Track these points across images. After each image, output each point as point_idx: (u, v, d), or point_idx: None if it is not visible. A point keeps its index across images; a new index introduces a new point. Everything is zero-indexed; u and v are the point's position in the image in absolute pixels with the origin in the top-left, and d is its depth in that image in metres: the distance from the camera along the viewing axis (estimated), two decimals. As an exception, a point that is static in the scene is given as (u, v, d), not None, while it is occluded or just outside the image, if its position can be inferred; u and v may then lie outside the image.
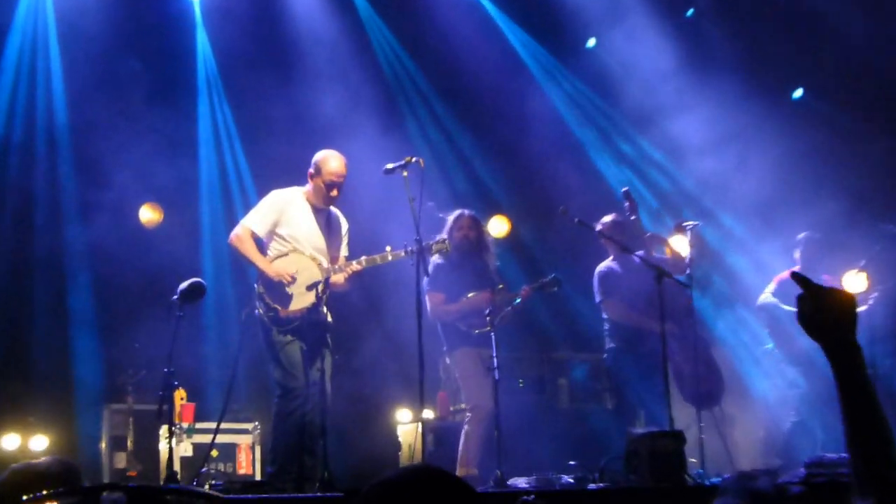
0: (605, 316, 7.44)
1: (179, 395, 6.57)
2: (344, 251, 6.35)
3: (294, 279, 5.92)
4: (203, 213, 9.35)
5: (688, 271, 6.94)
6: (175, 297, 5.59)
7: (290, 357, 5.92)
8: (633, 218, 7.16)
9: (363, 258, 6.10)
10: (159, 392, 5.63)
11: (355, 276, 6.18)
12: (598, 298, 7.37)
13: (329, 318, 6.13)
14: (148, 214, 9.03)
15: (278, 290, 5.94)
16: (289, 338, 5.93)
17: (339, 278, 6.07)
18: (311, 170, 6.18)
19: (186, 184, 9.13)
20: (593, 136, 10.03)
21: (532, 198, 9.94)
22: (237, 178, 9.44)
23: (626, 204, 7.18)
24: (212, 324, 8.84)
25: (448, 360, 7.24)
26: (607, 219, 7.37)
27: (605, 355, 7.50)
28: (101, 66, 8.68)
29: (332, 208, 6.30)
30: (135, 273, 8.45)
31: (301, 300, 5.97)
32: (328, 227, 6.25)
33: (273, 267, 5.96)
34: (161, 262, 8.09)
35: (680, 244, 7.14)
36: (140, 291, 8.31)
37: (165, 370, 5.55)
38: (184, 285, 5.62)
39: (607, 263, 7.42)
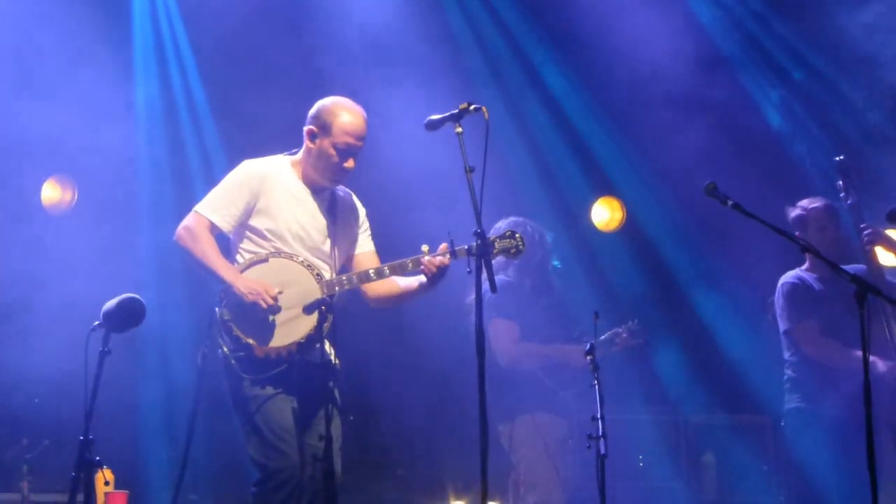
0: (788, 355, 6.73)
1: (103, 477, 6.34)
2: (368, 245, 5.98)
3: (277, 299, 5.43)
4: (140, 191, 8.96)
5: None
6: (97, 323, 5.18)
7: (273, 420, 5.46)
8: (849, 203, 6.54)
9: (384, 266, 5.59)
10: (71, 473, 5.14)
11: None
12: (784, 326, 6.69)
13: (334, 359, 5.60)
14: (51, 193, 8.81)
15: (252, 316, 5.46)
16: (270, 390, 5.47)
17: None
18: (312, 126, 5.62)
19: (112, 145, 8.56)
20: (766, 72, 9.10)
21: (661, 169, 9.10)
22: (196, 135, 9.00)
23: (840, 182, 6.57)
24: (153, 366, 8.54)
25: (503, 427, 6.83)
26: (813, 203, 6.74)
27: (783, 420, 6.80)
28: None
29: (340, 188, 5.86)
30: (30, 283, 8.10)
31: (289, 331, 5.53)
32: (333, 216, 5.81)
33: (243, 280, 5.47)
34: (74, 267, 7.90)
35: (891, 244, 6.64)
36: (39, 312, 7.97)
37: (81, 439, 5.09)
38: (110, 305, 5.21)
39: (798, 273, 6.81)
